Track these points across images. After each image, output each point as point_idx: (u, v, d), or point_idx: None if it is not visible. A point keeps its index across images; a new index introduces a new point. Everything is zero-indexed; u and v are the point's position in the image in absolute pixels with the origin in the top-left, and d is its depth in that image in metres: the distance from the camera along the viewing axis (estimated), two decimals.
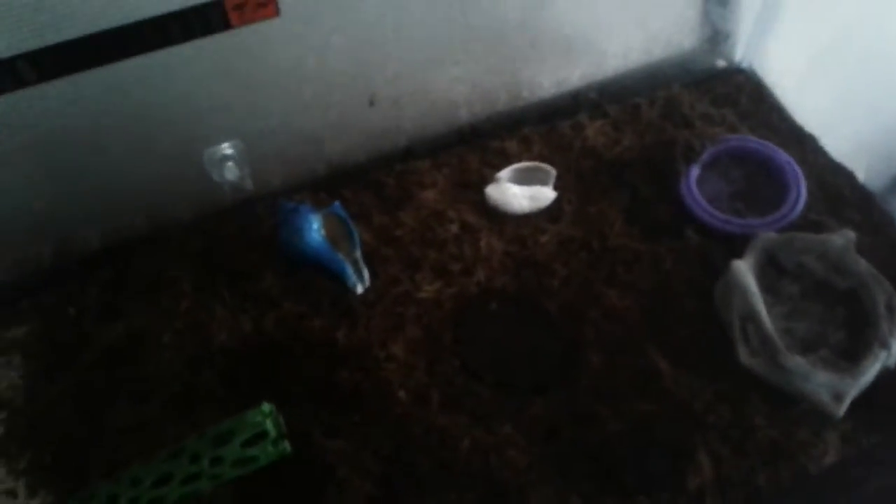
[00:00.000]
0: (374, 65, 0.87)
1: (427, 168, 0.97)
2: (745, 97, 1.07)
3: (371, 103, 0.89)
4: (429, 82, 0.92)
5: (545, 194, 0.93)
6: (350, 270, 0.85)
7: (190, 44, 0.74)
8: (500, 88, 0.98)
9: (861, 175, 0.96)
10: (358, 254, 0.87)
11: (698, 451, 0.74)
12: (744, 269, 0.83)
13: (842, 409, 0.76)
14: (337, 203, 0.88)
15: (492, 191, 0.93)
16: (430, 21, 0.87)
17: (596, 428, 0.76)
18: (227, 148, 0.84)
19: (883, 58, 0.88)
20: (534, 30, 0.95)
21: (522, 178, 0.95)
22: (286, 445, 0.71)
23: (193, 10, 0.72)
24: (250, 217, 0.91)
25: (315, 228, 0.84)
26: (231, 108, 0.83)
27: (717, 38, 1.06)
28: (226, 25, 0.74)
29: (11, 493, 0.73)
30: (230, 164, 0.84)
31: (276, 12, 0.74)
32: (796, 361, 0.77)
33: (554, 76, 1.01)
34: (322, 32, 0.80)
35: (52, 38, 0.69)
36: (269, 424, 0.70)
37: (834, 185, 0.96)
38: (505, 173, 0.95)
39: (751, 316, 0.81)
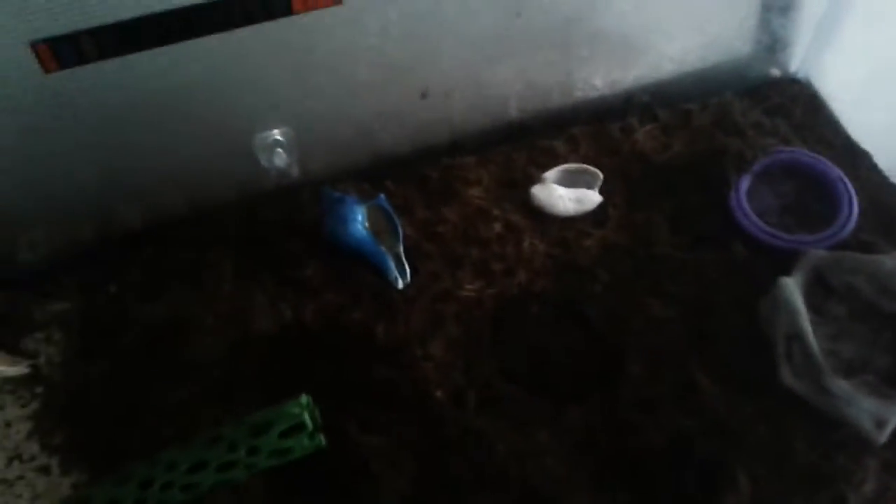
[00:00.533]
0: (429, 57, 0.86)
1: (473, 164, 0.96)
2: (800, 108, 1.04)
3: (423, 96, 0.88)
4: (482, 77, 0.91)
5: (591, 198, 0.92)
6: (392, 264, 0.85)
7: (250, 28, 0.74)
8: (552, 86, 0.97)
9: None
10: (400, 248, 0.86)
11: (736, 470, 0.73)
12: (792, 287, 0.82)
13: (884, 436, 0.75)
14: (382, 195, 0.88)
15: (537, 191, 0.92)
16: (486, 15, 0.86)
17: (633, 439, 0.75)
18: (277, 134, 0.84)
19: None
20: (590, 28, 0.93)
21: (569, 180, 0.94)
22: (321, 438, 0.71)
23: None
24: (294, 204, 0.91)
25: (360, 220, 0.83)
26: (285, 93, 0.82)
27: (775, 46, 1.04)
28: (288, 10, 0.73)
29: (45, 470, 0.74)
30: (280, 150, 0.84)
31: (339, 0, 0.74)
32: (840, 385, 0.76)
33: (608, 76, 1.00)
34: (381, 22, 0.79)
35: (115, 16, 0.69)
36: (306, 416, 0.70)
37: (886, 205, 0.94)
38: (551, 174, 0.94)
39: (797, 335, 0.79)
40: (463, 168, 0.95)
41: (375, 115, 0.89)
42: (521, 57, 0.91)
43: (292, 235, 0.88)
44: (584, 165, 0.95)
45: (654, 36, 0.97)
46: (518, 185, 0.94)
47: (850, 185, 0.93)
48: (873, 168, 0.98)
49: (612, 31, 0.94)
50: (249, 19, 0.73)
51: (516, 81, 0.93)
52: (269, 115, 0.84)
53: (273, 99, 0.82)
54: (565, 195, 0.91)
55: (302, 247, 0.87)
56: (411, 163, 0.96)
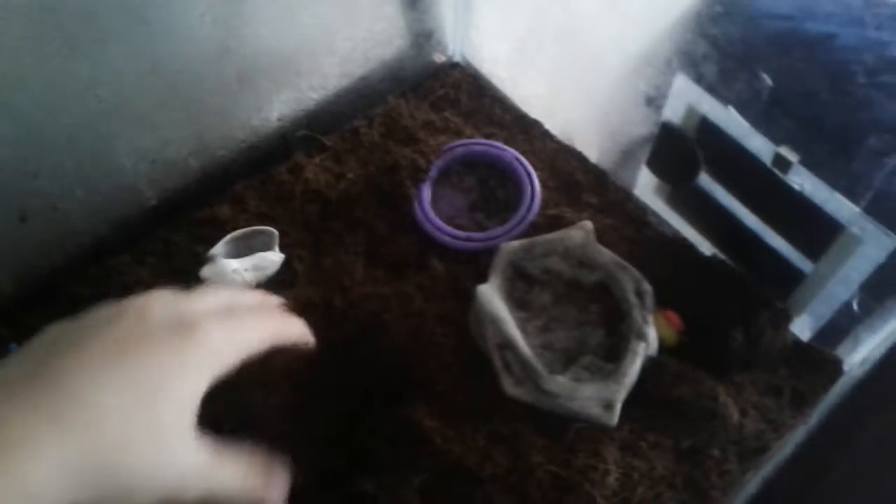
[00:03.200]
0: (14, 176, 0.71)
1: (127, 263, 0.83)
2: (465, 94, 1.01)
3: (23, 219, 0.74)
4: (92, 170, 0.78)
5: (270, 260, 0.83)
6: None
7: None
8: (184, 154, 0.85)
9: (595, 155, 0.93)
10: None
11: None
12: (489, 295, 0.78)
13: (615, 418, 0.73)
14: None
15: (207, 272, 0.81)
16: (75, 103, 0.73)
17: None
18: None
19: (576, 35, 0.85)
20: (214, 80, 0.83)
21: (241, 249, 0.84)
22: None
23: None
24: None
25: None
26: None
27: (418, 41, 0.99)
28: None
29: None
30: None
31: None
32: (558, 382, 0.72)
33: (246, 124, 0.89)
34: None
35: None
36: None
37: (564, 170, 0.93)
38: (219, 248, 0.83)
39: (506, 343, 0.75)
40: (116, 272, 0.82)
41: None
42: (132, 133, 0.79)
43: None
44: (254, 227, 0.85)
45: (283, 73, 0.88)
46: (185, 273, 0.83)
47: (526, 163, 0.91)
48: (546, 134, 0.97)
49: (233, 77, 0.84)
50: None
51: (137, 161, 0.80)
52: None
53: None
54: (240, 267, 0.81)
55: None
56: (54, 284, 0.81)
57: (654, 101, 0.80)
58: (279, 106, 0.90)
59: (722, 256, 0.84)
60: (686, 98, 0.76)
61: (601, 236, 0.83)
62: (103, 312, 0.45)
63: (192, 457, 0.42)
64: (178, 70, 0.78)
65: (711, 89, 0.73)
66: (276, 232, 0.84)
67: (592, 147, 0.92)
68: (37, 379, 0.39)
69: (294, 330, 0.53)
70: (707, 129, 0.77)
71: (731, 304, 0.80)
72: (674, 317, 0.79)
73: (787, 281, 0.81)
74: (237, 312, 0.48)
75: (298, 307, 0.79)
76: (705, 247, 0.87)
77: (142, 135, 0.79)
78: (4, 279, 0.79)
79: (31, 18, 0.63)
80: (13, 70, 0.65)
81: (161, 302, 0.45)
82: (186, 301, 0.46)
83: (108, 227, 0.83)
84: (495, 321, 0.76)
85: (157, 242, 0.85)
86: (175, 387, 0.41)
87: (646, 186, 0.90)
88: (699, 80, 0.74)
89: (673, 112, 0.79)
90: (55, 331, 0.44)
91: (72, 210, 0.77)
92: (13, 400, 0.37)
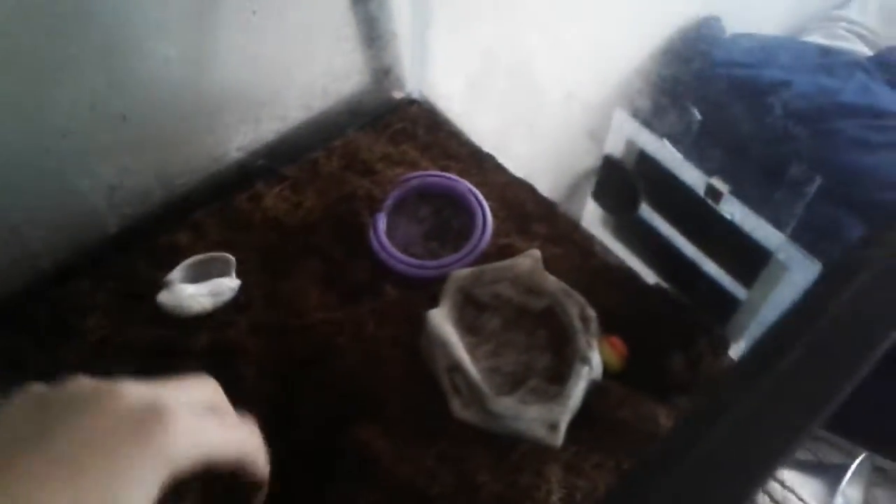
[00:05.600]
0: None
1: (87, 288, 0.84)
2: (422, 129, 1.05)
3: None
4: (55, 196, 0.80)
5: (227, 285, 0.85)
6: None
7: None
8: (150, 182, 0.88)
9: (544, 187, 0.97)
10: None
11: None
12: (439, 319, 0.80)
13: (559, 438, 0.75)
14: None
15: (164, 297, 0.83)
16: (32, 138, 0.75)
17: None
18: None
19: (524, 73, 0.89)
20: (176, 111, 0.86)
21: (198, 274, 0.86)
22: None
23: None
24: None
25: None
26: None
27: (377, 76, 1.03)
28: None
29: None
30: None
31: None
32: (504, 403, 0.75)
33: (208, 154, 0.92)
34: None
35: None
36: None
37: (515, 201, 0.96)
38: (176, 274, 0.85)
39: (455, 366, 0.78)
40: (75, 296, 0.83)
41: None
42: (99, 165, 0.81)
43: None
44: (211, 253, 0.87)
45: (243, 104, 0.92)
46: (145, 297, 0.84)
47: (479, 194, 0.94)
48: (499, 168, 1.00)
49: (196, 112, 0.87)
50: None
51: (99, 192, 0.83)
52: None
53: None
54: (196, 292, 0.83)
55: None
56: (13, 306, 0.82)
57: (596, 135, 0.84)
58: (239, 137, 0.93)
59: (664, 285, 0.88)
60: (625, 132, 0.81)
61: (550, 265, 0.86)
62: (77, 392, 0.45)
63: None
64: (141, 102, 0.81)
65: (647, 123, 0.77)
66: (232, 258, 0.87)
67: (542, 179, 0.96)
68: None
69: (255, 446, 0.52)
70: (645, 162, 0.81)
71: (671, 331, 0.83)
72: (618, 343, 0.82)
73: (724, 308, 0.84)
74: (209, 413, 0.47)
75: (253, 329, 0.82)
76: (648, 276, 0.91)
77: (104, 163, 0.82)
78: None
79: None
80: None
81: (137, 387, 0.45)
82: (164, 387, 0.46)
83: (69, 252, 0.85)
84: (444, 345, 0.78)
85: (118, 268, 0.86)
86: (132, 488, 0.41)
87: (593, 218, 0.93)
88: (635, 114, 0.78)
89: (613, 145, 0.83)
90: (20, 412, 0.43)
91: (33, 234, 0.79)
92: None
